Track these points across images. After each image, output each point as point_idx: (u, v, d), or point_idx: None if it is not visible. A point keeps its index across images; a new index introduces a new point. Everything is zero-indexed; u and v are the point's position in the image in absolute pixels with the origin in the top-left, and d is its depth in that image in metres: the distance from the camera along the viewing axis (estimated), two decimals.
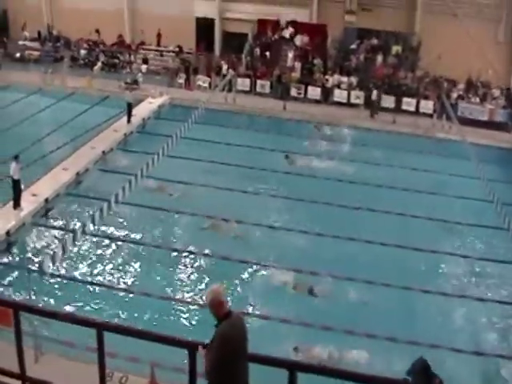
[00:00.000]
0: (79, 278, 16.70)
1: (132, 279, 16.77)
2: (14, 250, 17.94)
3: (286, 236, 19.61)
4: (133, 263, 17.59)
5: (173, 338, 7.65)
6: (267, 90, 34.54)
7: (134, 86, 34.03)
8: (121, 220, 19.96)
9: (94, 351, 7.84)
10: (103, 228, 19.19)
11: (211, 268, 17.59)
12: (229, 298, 14.39)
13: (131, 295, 15.96)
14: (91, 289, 16.17)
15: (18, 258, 17.46)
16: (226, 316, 6.24)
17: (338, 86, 33.99)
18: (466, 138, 25.70)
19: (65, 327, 11.77)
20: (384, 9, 36.53)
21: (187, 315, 15.20)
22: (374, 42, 36.30)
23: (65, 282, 16.41)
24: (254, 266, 17.60)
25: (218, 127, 29.24)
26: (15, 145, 23.84)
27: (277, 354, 7.36)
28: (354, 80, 34.03)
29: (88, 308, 15.15)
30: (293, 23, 37.29)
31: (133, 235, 19.22)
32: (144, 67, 37.34)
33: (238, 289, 16.50)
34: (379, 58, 35.45)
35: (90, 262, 17.51)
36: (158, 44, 40.52)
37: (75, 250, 17.74)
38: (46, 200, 20.55)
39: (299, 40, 36.58)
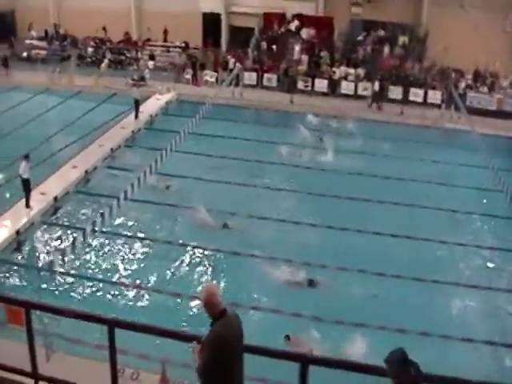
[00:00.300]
0: (89, 275, 16.76)
1: (143, 276, 16.79)
2: (24, 249, 18.03)
3: (294, 229, 19.62)
4: (143, 260, 17.66)
5: (184, 333, 7.66)
6: (274, 83, 34.51)
7: (141, 82, 34.11)
8: (130, 217, 20.00)
9: (105, 349, 7.87)
10: (113, 225, 19.24)
11: (220, 263, 17.59)
12: (241, 293, 14.54)
13: (142, 292, 16.02)
14: (101, 286, 16.23)
15: (27, 257, 17.52)
16: (220, 315, 6.13)
17: (345, 78, 33.87)
18: (474, 127, 25.56)
19: (75, 325, 11.90)
20: (390, 0, 36.36)
21: (198, 311, 15.20)
22: (381, 33, 36.17)
23: (75, 279, 16.50)
24: (261, 261, 17.55)
25: (226, 122, 29.23)
26: (23, 144, 23.96)
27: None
28: (361, 72, 33.90)
29: (98, 305, 15.18)
30: (299, 16, 37.22)
31: (142, 232, 19.26)
32: (151, 64, 37.37)
33: (248, 283, 16.47)
34: (386, 50, 35.34)
35: (99, 259, 17.57)
36: (165, 40, 40.54)
37: (85, 247, 17.80)
38: (55, 198, 20.65)
39: (306, 33, 36.53)
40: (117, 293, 15.98)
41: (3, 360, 8.49)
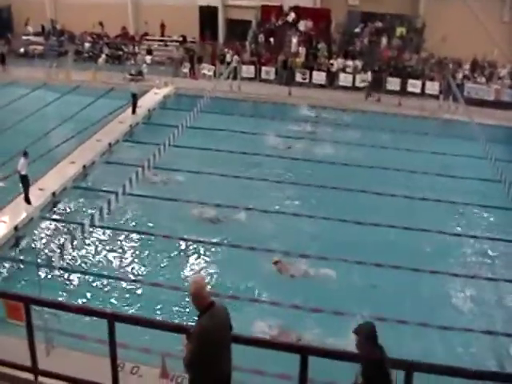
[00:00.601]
0: (88, 270, 16.78)
1: (141, 270, 16.82)
2: (23, 245, 18.02)
3: (293, 221, 19.66)
4: (142, 254, 17.66)
5: (184, 327, 7.68)
6: (272, 76, 34.50)
7: (139, 77, 34.07)
8: (128, 211, 20.00)
9: (105, 343, 7.90)
10: (111, 220, 19.22)
11: (220, 256, 17.59)
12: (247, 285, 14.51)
13: (141, 286, 16.03)
14: (100, 281, 16.23)
15: (26, 253, 17.48)
16: (207, 307, 6.20)
17: (343, 70, 33.81)
18: (472, 118, 25.53)
19: (74, 320, 11.94)
20: None
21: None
22: (378, 24, 36.12)
23: (74, 274, 16.48)
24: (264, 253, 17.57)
25: (224, 115, 29.20)
26: (21, 140, 23.98)
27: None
28: (358, 63, 33.84)
29: (97, 300, 15.23)
30: (296, 8, 37.12)
31: (140, 226, 19.26)
32: (148, 58, 37.32)
33: (249, 276, 16.49)
34: (384, 41, 35.33)
35: (98, 254, 17.58)
36: (162, 34, 40.45)
37: (83, 242, 17.80)
38: (53, 194, 20.64)
39: (303, 25, 36.50)
40: (116, 287, 15.97)
41: (3, 355, 8.53)
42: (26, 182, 19.27)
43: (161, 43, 39.84)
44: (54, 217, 19.94)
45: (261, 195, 21.45)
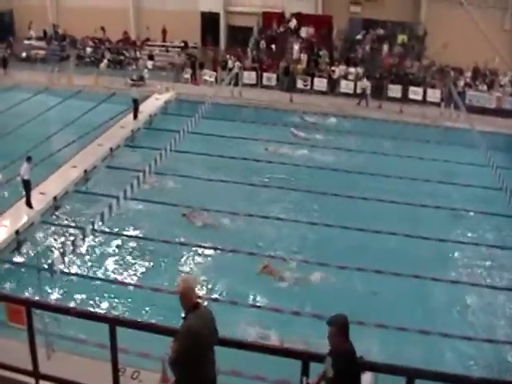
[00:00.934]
0: (89, 274, 16.78)
1: (142, 275, 16.80)
2: (24, 249, 17.98)
3: (294, 227, 19.70)
4: (142, 259, 17.65)
5: None
6: (273, 82, 34.53)
7: (140, 82, 34.09)
8: (129, 216, 20.01)
9: (104, 347, 7.87)
10: (112, 225, 19.21)
11: (218, 261, 17.59)
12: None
13: (142, 291, 16.01)
14: (101, 285, 16.23)
15: (27, 257, 17.48)
16: (193, 308, 6.27)
17: (345, 77, 33.84)
18: (474, 126, 25.53)
19: (75, 324, 11.91)
20: None
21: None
22: (380, 31, 36.17)
23: (75, 279, 16.52)
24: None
25: (225, 121, 29.24)
26: (23, 144, 24.01)
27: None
28: (360, 70, 33.86)
29: (98, 305, 15.21)
30: (298, 15, 37.20)
31: (141, 231, 19.27)
32: (150, 63, 37.37)
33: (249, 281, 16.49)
34: (385, 48, 35.35)
35: (99, 258, 17.58)
36: (164, 40, 40.52)
37: (85, 247, 17.79)
38: (55, 198, 20.62)
39: (305, 32, 36.57)
40: (117, 292, 15.95)
41: (4, 359, 8.49)
42: (28, 186, 19.29)
43: (162, 48, 39.89)
44: (56, 221, 19.95)
45: (261, 201, 21.45)
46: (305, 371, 6.76)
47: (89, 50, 39.50)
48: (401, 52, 35.24)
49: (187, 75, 35.77)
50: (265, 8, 38.10)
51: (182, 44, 39.39)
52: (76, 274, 16.73)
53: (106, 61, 37.25)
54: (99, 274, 16.85)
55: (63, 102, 31.80)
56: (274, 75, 34.54)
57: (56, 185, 21.36)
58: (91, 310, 14.15)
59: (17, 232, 18.24)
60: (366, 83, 32.26)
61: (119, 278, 16.73)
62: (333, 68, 34.35)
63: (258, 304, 15.54)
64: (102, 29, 40.36)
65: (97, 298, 15.56)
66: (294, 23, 37.03)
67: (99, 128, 27.52)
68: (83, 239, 17.06)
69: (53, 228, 19.39)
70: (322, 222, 19.64)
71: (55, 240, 18.57)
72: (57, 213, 20.35)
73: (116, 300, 15.58)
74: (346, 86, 33.51)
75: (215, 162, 24.61)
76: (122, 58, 38.85)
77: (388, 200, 21.19)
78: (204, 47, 39.67)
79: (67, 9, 41.43)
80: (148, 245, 18.42)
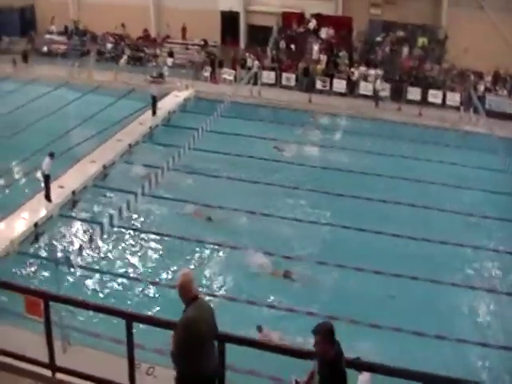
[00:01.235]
0: (106, 269, 16.88)
1: (159, 271, 16.84)
2: (42, 242, 18.14)
3: (310, 228, 19.70)
4: (159, 255, 17.75)
5: None
6: (292, 82, 34.42)
7: (160, 79, 34.18)
8: (147, 212, 20.08)
9: (119, 342, 7.89)
10: (130, 220, 19.30)
11: (233, 261, 17.61)
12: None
13: (158, 287, 16.05)
14: (118, 280, 16.32)
15: (45, 250, 17.64)
16: (193, 300, 6.35)
17: (365, 79, 33.68)
18: (493, 131, 25.33)
19: (91, 319, 11.97)
20: (409, 1, 36.17)
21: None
22: (400, 34, 35.93)
23: (91, 273, 16.61)
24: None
25: (244, 120, 29.22)
26: (42, 137, 24.22)
27: None
28: (379, 72, 33.68)
29: (115, 299, 15.27)
30: (318, 16, 37.11)
31: (159, 227, 19.34)
32: (169, 61, 37.41)
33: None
34: (405, 51, 35.13)
35: (116, 253, 17.68)
36: (183, 37, 40.58)
37: (102, 241, 17.87)
38: (73, 192, 20.76)
39: (324, 32, 36.43)
40: (134, 287, 16.04)
41: (20, 350, 8.54)
42: (47, 180, 19.49)
43: (182, 46, 39.94)
44: (74, 215, 20.11)
45: (278, 201, 21.42)
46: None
47: (109, 45, 39.61)
48: (421, 55, 34.98)
49: (206, 73, 35.78)
50: (284, 8, 37.97)
51: (202, 42, 39.41)
52: (92, 268, 16.82)
53: (125, 57, 37.39)
54: (115, 268, 16.98)
55: (83, 96, 31.99)
56: (293, 75, 34.43)
57: (75, 179, 21.54)
58: (107, 304, 14.20)
59: (35, 225, 18.40)
60: (379, 85, 32.16)
61: (135, 273, 16.81)
62: (352, 69, 34.20)
63: (273, 304, 15.54)
64: (123, 25, 40.47)
65: (112, 293, 15.65)
66: (313, 24, 36.93)
67: (118, 124, 27.66)
68: (101, 234, 17.14)
69: (71, 222, 19.55)
70: (338, 223, 19.60)
71: (73, 234, 18.72)
72: (75, 207, 20.49)
73: (131, 295, 15.65)
74: (365, 88, 33.32)
75: (232, 160, 24.59)
76: (142, 54, 38.90)
77: (406, 203, 21.11)
78: (223, 46, 39.66)
79: (88, 5, 41.57)
80: (164, 241, 18.50)
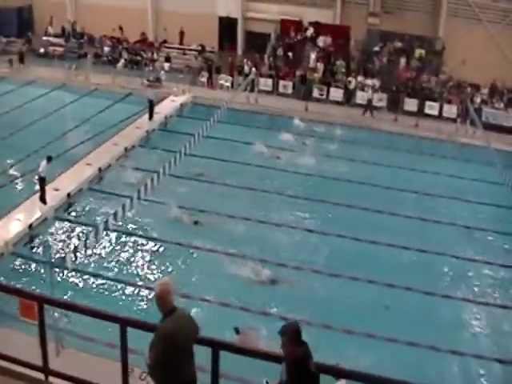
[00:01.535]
0: (100, 272, 16.77)
1: (154, 275, 16.74)
2: (36, 244, 18.05)
3: (306, 237, 19.62)
4: (154, 260, 17.66)
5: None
6: (289, 90, 34.47)
7: (157, 83, 34.18)
8: (143, 216, 19.98)
9: (112, 346, 7.83)
10: (125, 224, 19.22)
11: (229, 266, 17.48)
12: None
13: (152, 292, 15.94)
14: (112, 284, 16.22)
15: (39, 252, 17.55)
16: (170, 312, 6.26)
17: (362, 89, 33.72)
18: (490, 143, 25.39)
19: (84, 322, 11.86)
20: (407, 12, 36.46)
21: (211, 314, 15.11)
22: (398, 44, 36.07)
23: (86, 276, 16.50)
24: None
25: (240, 127, 29.23)
26: (39, 139, 24.16)
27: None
28: (376, 82, 33.79)
29: (108, 303, 15.15)
30: (315, 24, 37.22)
31: (154, 231, 19.28)
32: (166, 65, 37.41)
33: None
34: (402, 61, 35.26)
35: (111, 257, 17.60)
36: (181, 42, 40.63)
37: (97, 244, 17.77)
38: (69, 195, 20.68)
39: (322, 41, 36.55)
40: (128, 291, 15.96)
41: (13, 353, 8.47)
42: (43, 183, 19.41)
43: (179, 51, 39.95)
44: (69, 217, 20.02)
45: (273, 208, 21.38)
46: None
47: (106, 49, 39.56)
48: (418, 66, 35.11)
49: (203, 79, 35.80)
50: (283, 15, 38.15)
51: (200, 47, 39.44)
52: (87, 272, 16.71)
53: (123, 60, 37.34)
54: (110, 272, 16.87)
55: (79, 99, 31.94)
56: (291, 83, 34.49)
57: (70, 181, 21.44)
58: (101, 308, 14.08)
59: (30, 226, 18.30)
60: (370, 94, 32.39)
61: (130, 277, 16.71)
62: (349, 78, 34.26)
63: (270, 312, 15.46)
64: (120, 28, 40.50)
65: (106, 297, 15.56)
66: (311, 32, 37.02)
67: (114, 127, 27.58)
68: (96, 237, 17.05)
69: (66, 224, 19.48)
70: (333, 233, 19.52)
71: (68, 236, 18.65)
72: (70, 209, 20.42)
73: (125, 299, 15.57)
74: (361, 97, 33.37)
75: (227, 166, 24.55)
76: (139, 58, 38.88)
77: (401, 214, 21.09)
78: (221, 51, 39.70)
79: (86, 6, 41.59)
80: (160, 246, 18.42)
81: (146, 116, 29.01)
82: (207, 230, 19.43)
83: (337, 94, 33.80)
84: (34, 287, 14.68)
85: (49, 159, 19.39)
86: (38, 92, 31.90)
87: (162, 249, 18.30)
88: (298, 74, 34.54)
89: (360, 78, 34.10)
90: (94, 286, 16.11)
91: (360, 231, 19.33)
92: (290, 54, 36.38)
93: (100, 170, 22.98)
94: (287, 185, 23.45)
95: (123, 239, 18.67)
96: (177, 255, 17.97)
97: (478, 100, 32.58)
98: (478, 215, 22.10)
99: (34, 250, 17.75)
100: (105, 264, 17.24)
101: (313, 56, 35.59)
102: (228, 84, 35.22)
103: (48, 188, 19.89)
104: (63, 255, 16.41)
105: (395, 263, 17.99)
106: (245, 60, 36.11)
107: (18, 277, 16.06)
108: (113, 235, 18.63)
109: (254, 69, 34.42)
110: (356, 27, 36.81)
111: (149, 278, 16.66)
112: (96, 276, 16.57)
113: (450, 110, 32.15)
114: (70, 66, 35.11)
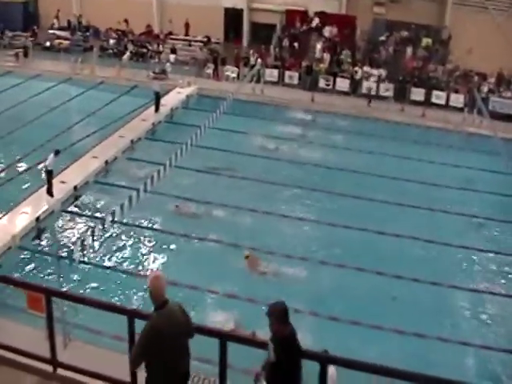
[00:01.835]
0: (107, 265, 16.85)
1: (160, 268, 16.76)
2: (44, 237, 18.13)
3: (312, 228, 19.65)
4: (161, 252, 17.69)
5: (203, 327, 7.63)
6: (295, 81, 34.32)
7: (163, 75, 34.11)
8: (149, 208, 19.98)
9: (119, 339, 7.84)
10: (132, 216, 19.23)
11: (235, 258, 17.50)
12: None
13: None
14: (119, 276, 16.28)
15: (47, 245, 17.62)
16: (162, 305, 6.23)
17: (367, 78, 33.56)
18: (496, 132, 25.25)
19: (91, 315, 11.91)
20: (413, 1, 36.18)
21: (218, 305, 15.14)
22: (404, 34, 35.85)
23: (93, 268, 16.57)
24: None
25: (246, 118, 29.17)
26: (45, 132, 24.17)
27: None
28: (383, 72, 33.61)
29: (116, 295, 15.23)
30: (321, 14, 37.05)
31: (161, 224, 19.35)
32: (172, 57, 37.30)
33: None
34: (409, 51, 35.05)
35: (118, 249, 17.64)
36: (186, 34, 40.52)
37: (104, 237, 17.83)
38: (75, 188, 20.73)
39: (328, 31, 36.37)
40: (135, 283, 15.95)
41: (21, 345, 8.51)
42: (50, 176, 19.46)
43: (185, 43, 39.85)
44: (75, 210, 20.08)
45: (279, 200, 21.37)
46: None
47: (112, 41, 39.48)
48: (425, 55, 34.92)
49: (209, 70, 35.68)
50: (288, 6, 37.98)
51: (205, 39, 39.35)
52: (94, 264, 16.78)
53: (128, 53, 37.23)
54: (117, 264, 16.92)
55: (85, 92, 31.92)
56: (296, 74, 34.34)
57: (77, 174, 21.48)
58: (108, 300, 14.15)
59: (37, 219, 18.38)
60: (371, 84, 32.27)
61: (137, 269, 16.78)
62: (355, 68, 34.09)
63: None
64: (126, 21, 40.42)
65: (113, 289, 15.59)
66: (316, 22, 36.85)
67: (120, 120, 27.57)
68: (102, 229, 17.10)
69: (72, 217, 19.54)
70: (340, 223, 19.47)
71: (75, 229, 18.70)
72: (77, 202, 20.47)
73: (132, 291, 15.58)
74: (367, 87, 33.16)
75: (234, 157, 24.54)
76: (145, 50, 38.82)
77: (408, 204, 21.01)
78: (226, 43, 39.60)
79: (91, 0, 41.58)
80: (166, 238, 18.45)
81: (152, 108, 28.95)
82: (212, 222, 19.46)
83: (343, 84, 33.61)
84: (41, 280, 14.76)
85: (56, 153, 19.46)
86: (44, 86, 31.89)
87: (168, 240, 18.33)
88: (304, 65, 34.38)
89: (366, 68, 33.92)
90: (102, 278, 16.14)
91: (366, 222, 19.29)
92: (295, 44, 36.20)
93: (106, 162, 22.99)
94: (293, 176, 23.39)
95: (130, 231, 18.70)
96: (183, 247, 18.04)
97: (484, 89, 32.34)
98: (486, 205, 22.01)
99: (41, 243, 17.81)
100: (112, 256, 17.30)
101: (318, 46, 35.43)
102: (234, 75, 35.11)
103: (55, 181, 19.94)
104: (70, 248, 16.47)
105: (402, 254, 17.98)
106: (250, 51, 36.02)
107: (25, 270, 16.15)
108: (120, 227, 18.66)
109: (259, 60, 34.32)
110: (362, 17, 36.64)
111: (157, 270, 16.67)
112: (103, 268, 16.66)
113: (457, 100, 31.92)
114: (75, 59, 35.06)
